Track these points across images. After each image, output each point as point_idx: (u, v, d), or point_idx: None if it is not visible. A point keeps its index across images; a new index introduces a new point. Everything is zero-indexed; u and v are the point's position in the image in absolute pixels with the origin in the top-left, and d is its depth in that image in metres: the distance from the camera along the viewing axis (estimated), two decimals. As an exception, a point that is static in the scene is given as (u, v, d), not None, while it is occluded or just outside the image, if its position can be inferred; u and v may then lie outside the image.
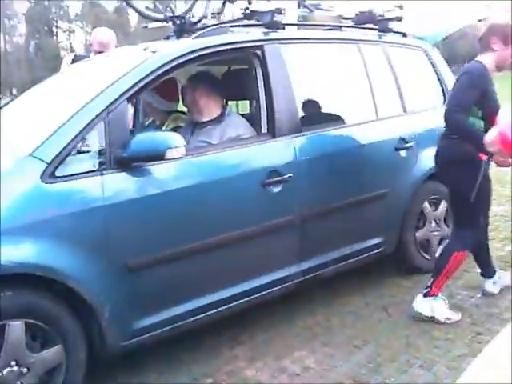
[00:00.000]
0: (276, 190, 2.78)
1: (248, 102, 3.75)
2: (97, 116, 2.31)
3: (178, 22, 3.43)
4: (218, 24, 3.10)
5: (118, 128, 2.35)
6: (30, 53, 58.45)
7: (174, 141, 2.32)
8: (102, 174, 2.28)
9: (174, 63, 2.59)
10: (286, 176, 2.80)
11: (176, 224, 2.46)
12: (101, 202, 2.25)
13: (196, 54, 2.69)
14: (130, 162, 2.34)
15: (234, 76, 3.29)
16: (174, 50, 2.69)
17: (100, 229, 2.25)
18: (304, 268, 2.97)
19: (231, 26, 3.09)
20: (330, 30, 3.54)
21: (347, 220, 3.13)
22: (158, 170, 2.41)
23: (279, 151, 2.87)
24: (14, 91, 45.94)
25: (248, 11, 3.19)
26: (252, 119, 3.03)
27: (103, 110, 2.33)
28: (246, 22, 3.21)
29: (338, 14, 3.81)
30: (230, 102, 3.57)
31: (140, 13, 3.72)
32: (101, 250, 2.26)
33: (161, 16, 3.59)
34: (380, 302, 3.23)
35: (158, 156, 2.31)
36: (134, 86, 2.44)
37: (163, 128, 3.47)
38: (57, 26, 63.63)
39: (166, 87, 3.28)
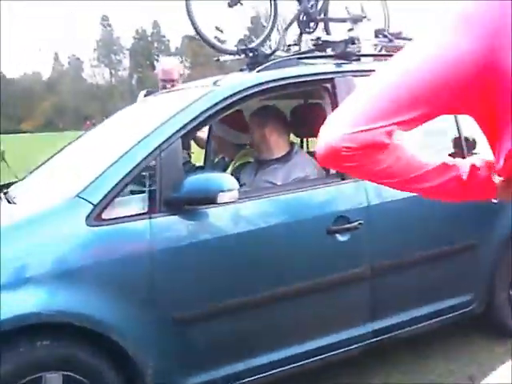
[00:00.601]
0: (344, 238, 2.50)
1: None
2: (148, 155, 2.17)
3: (251, 54, 3.29)
4: (287, 56, 2.90)
5: (170, 168, 2.19)
6: (133, 85, 61.96)
7: (227, 184, 2.12)
8: (151, 218, 2.12)
9: (236, 97, 2.41)
10: (356, 223, 2.51)
11: (231, 274, 2.25)
12: (148, 248, 2.09)
13: (260, 88, 2.50)
14: (181, 205, 2.17)
15: (303, 111, 3.07)
16: (236, 83, 2.52)
17: (146, 277, 2.09)
18: (375, 328, 2.64)
19: (301, 58, 2.89)
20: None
21: (427, 274, 2.76)
22: (212, 213, 2.23)
23: (348, 194, 2.59)
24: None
25: (320, 41, 2.98)
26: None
27: (155, 149, 2.18)
28: (318, 53, 3.00)
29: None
30: (298, 140, 3.36)
31: (209, 44, 3.62)
32: (147, 301, 2.09)
33: (233, 48, 3.47)
34: (466, 370, 2.80)
35: (209, 199, 2.12)
36: (190, 122, 2.28)
37: (232, 164, 3.31)
38: (158, 60, 67.17)
39: (236, 118, 3.15)
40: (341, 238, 2.50)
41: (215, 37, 3.32)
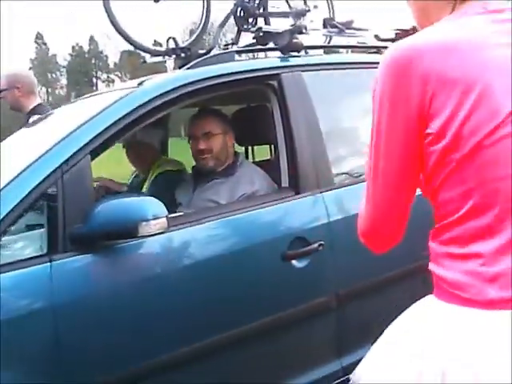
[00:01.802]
0: (302, 264, 2.05)
1: (268, 146, 3.06)
2: (45, 178, 1.66)
3: (183, 54, 2.82)
4: (221, 53, 2.45)
5: (76, 193, 1.69)
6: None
7: (150, 209, 1.63)
8: (52, 260, 1.61)
9: (159, 100, 1.93)
10: (315, 244, 2.07)
11: (164, 322, 1.76)
12: (48, 301, 1.57)
13: (191, 88, 2.03)
14: (92, 241, 1.66)
15: (247, 115, 2.62)
16: (160, 82, 2.05)
17: (48, 340, 1.57)
18: (344, 365, 2.20)
19: (239, 52, 2.45)
20: (372, 52, 2.86)
21: (400, 297, 2.35)
22: (137, 248, 1.73)
23: (305, 211, 2.15)
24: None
25: (261, 33, 2.56)
26: (271, 169, 2.35)
27: (55, 170, 1.68)
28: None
29: (375, 34, 3.13)
30: (242, 148, 2.90)
31: (134, 45, 3.13)
32: (49, 368, 1.58)
33: (161, 48, 3.00)
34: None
35: (128, 232, 1.62)
36: (102, 133, 1.79)
37: (149, 178, 2.81)
38: (96, 77, 65.65)
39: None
40: (298, 263, 2.05)
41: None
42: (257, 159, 3.08)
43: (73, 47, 73.29)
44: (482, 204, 0.93)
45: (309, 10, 3.28)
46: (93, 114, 1.85)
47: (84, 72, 65.49)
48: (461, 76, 0.90)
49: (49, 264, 1.60)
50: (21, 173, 1.67)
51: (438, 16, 1.00)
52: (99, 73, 65.20)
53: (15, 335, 1.51)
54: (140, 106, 1.89)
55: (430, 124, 0.92)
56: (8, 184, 1.64)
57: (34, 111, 3.26)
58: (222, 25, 3.21)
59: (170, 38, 2.99)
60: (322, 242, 2.09)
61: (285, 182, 2.20)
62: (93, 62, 66.31)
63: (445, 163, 0.93)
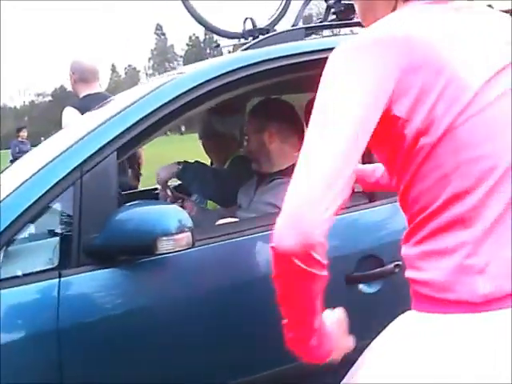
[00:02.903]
0: (371, 289, 1.67)
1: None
2: (61, 180, 1.42)
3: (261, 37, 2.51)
4: (287, 30, 2.10)
5: (96, 198, 1.44)
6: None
7: (172, 222, 1.33)
8: (61, 276, 1.37)
9: (207, 87, 1.63)
10: (391, 265, 1.68)
11: (190, 356, 1.46)
12: (54, 323, 1.34)
13: (247, 72, 1.70)
14: (110, 256, 1.41)
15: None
16: (208, 68, 1.75)
17: (53, 365, 1.34)
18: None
19: (311, 28, 2.09)
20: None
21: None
22: (160, 264, 1.45)
23: (380, 223, 1.76)
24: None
25: (342, 7, 2.18)
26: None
27: (72, 171, 1.44)
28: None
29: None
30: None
31: (209, 27, 2.85)
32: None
33: (237, 31, 2.70)
34: None
35: (144, 249, 1.34)
36: (132, 127, 1.52)
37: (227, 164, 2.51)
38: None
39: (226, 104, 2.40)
40: (367, 288, 1.67)
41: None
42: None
43: (190, 37, 75.91)
44: (460, 189, 0.88)
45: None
46: (125, 104, 1.60)
47: (200, 61, 67.65)
48: (424, 61, 0.88)
49: (57, 280, 1.36)
50: (35, 173, 1.45)
51: (385, 12, 0.99)
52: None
53: (13, 361, 1.30)
54: (182, 94, 1.60)
55: (398, 105, 0.88)
56: (19, 187, 1.42)
57: (84, 99, 3.19)
58: (307, 3, 2.85)
59: (246, 18, 2.67)
60: (398, 263, 1.69)
61: (357, 187, 1.81)
62: (208, 51, 68.06)
63: (418, 149, 0.89)
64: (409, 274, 0.94)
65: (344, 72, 0.89)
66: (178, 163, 2.28)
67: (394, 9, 0.99)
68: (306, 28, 2.01)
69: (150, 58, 79.70)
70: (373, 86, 0.87)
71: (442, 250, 0.89)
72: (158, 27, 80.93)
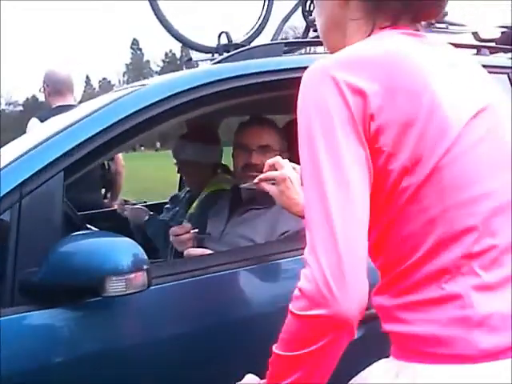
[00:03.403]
0: (359, 332, 1.48)
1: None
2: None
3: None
4: (264, 44, 1.94)
5: (37, 226, 1.23)
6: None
7: (124, 258, 1.13)
8: (-10, 318, 1.15)
9: (172, 102, 1.44)
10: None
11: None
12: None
13: (219, 88, 1.52)
14: (46, 295, 1.19)
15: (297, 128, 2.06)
16: (175, 81, 1.57)
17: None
18: None
19: (290, 43, 1.94)
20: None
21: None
22: (110, 305, 1.24)
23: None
24: None
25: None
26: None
27: (10, 192, 1.23)
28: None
29: (474, 31, 2.51)
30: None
31: (182, 40, 2.68)
32: None
33: (211, 45, 2.52)
34: None
35: (90, 289, 1.13)
36: (83, 144, 1.32)
37: (199, 198, 2.33)
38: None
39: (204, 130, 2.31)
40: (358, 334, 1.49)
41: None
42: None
43: (166, 54, 75.86)
44: (449, 234, 0.81)
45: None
46: (78, 117, 1.39)
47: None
48: (408, 87, 0.82)
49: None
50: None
51: (356, 38, 0.92)
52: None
53: None
54: (143, 109, 1.41)
55: (382, 136, 0.80)
56: None
57: (52, 111, 3.00)
58: (286, 19, 2.71)
59: (222, 32, 2.50)
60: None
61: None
62: (184, 69, 68.12)
63: (402, 189, 0.81)
64: (389, 327, 0.84)
65: (321, 109, 0.80)
66: (150, 214, 2.29)
67: (369, 34, 0.92)
68: (286, 43, 1.84)
69: (124, 73, 79.29)
70: (354, 123, 0.79)
71: (431, 300, 0.80)
72: (135, 42, 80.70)
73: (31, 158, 1.28)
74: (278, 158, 1.40)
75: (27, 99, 70.85)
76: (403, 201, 0.81)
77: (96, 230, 2.27)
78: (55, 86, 3.17)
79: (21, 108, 69.01)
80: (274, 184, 1.39)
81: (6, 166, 1.28)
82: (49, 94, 3.19)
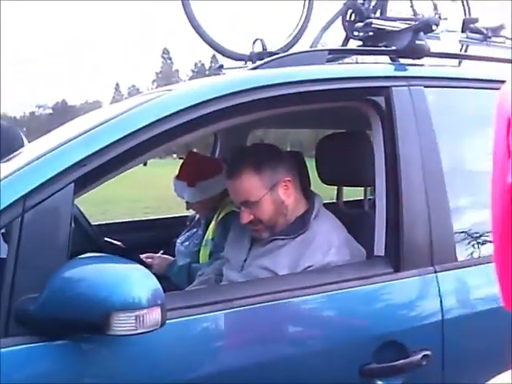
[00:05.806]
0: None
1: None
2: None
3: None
4: (305, 51, 1.77)
5: (40, 245, 1.07)
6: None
7: (137, 292, 0.96)
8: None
9: (203, 110, 1.28)
10: (418, 356, 1.31)
11: None
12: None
13: (248, 98, 1.34)
14: (43, 327, 1.03)
15: (334, 144, 1.86)
16: (207, 86, 1.40)
17: None
18: None
19: (334, 51, 1.77)
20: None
21: None
22: (115, 342, 1.07)
23: (406, 301, 1.40)
24: None
25: (371, 29, 1.87)
26: (360, 223, 1.62)
27: (11, 205, 1.07)
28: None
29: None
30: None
31: (215, 47, 2.52)
32: None
33: (244, 53, 2.37)
34: None
35: (93, 326, 0.96)
36: (95, 154, 1.15)
37: (215, 219, 2.17)
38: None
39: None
40: (388, 383, 1.29)
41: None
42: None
43: (195, 64, 76.46)
44: None
45: (445, 18, 2.53)
46: (94, 124, 1.24)
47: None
48: None
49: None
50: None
51: None
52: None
53: None
54: (161, 120, 1.24)
55: None
56: None
57: None
58: (326, 28, 2.54)
59: (256, 39, 2.34)
60: (427, 353, 1.32)
61: (379, 249, 1.44)
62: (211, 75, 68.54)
63: None
64: None
65: None
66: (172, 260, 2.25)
67: None
68: (330, 51, 1.67)
69: (154, 81, 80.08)
70: None
71: None
72: (165, 51, 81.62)
73: (37, 167, 1.13)
74: None
75: (57, 103, 72.01)
76: None
77: (112, 245, 2.12)
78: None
79: (50, 111, 70.15)
80: None
81: (8, 176, 1.12)
82: None
